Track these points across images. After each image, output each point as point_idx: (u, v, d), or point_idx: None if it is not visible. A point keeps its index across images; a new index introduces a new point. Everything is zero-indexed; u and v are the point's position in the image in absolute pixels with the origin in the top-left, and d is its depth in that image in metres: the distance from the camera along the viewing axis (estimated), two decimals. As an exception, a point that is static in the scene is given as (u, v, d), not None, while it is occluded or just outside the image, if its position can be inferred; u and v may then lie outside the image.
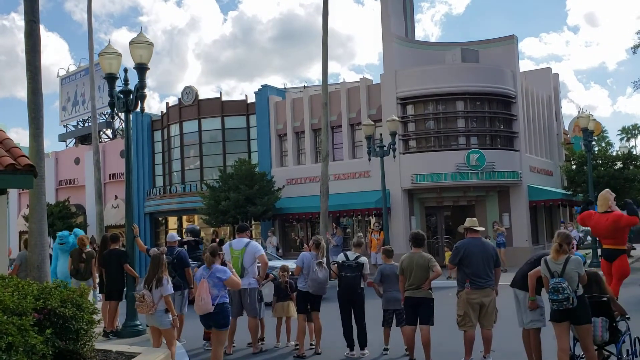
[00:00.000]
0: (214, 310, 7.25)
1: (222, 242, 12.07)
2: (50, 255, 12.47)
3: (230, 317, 7.82)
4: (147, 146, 31.55)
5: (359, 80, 27.50)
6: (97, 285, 12.09)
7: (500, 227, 22.39)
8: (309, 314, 9.45)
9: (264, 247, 22.48)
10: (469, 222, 8.33)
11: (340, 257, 9.21)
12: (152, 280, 7.75)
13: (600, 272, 8.35)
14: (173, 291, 8.09)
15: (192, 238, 14.08)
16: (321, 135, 23.16)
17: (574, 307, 6.48)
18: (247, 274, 9.37)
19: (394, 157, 21.97)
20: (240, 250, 9.45)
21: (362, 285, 9.11)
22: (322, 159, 22.57)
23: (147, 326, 8.72)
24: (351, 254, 9.16)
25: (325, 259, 9.90)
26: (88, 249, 12.32)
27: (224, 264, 7.80)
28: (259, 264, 9.69)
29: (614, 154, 28.36)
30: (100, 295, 11.99)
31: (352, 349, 9.03)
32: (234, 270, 7.78)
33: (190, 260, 10.86)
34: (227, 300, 7.51)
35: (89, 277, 11.94)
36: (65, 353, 6.76)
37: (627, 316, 7.23)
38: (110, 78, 11.54)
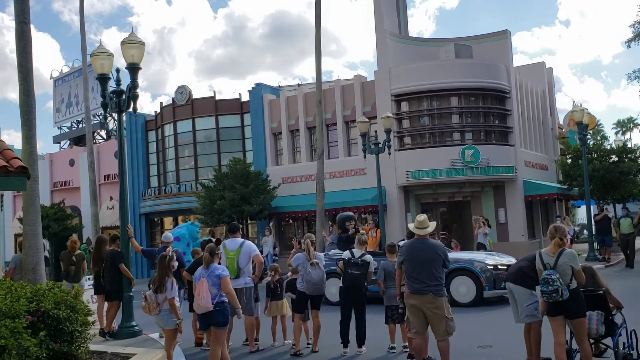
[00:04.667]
0: (214, 309, 7.25)
1: (219, 242, 12.00)
2: (46, 257, 12.43)
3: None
4: (141, 146, 31.46)
5: (353, 77, 27.50)
6: (87, 286, 12.08)
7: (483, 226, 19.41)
8: (306, 313, 9.46)
9: (260, 247, 22.54)
10: (416, 222, 7.69)
11: (346, 254, 9.13)
12: (157, 281, 7.72)
13: (595, 266, 8.36)
14: (177, 294, 8.00)
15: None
16: (316, 134, 23.15)
17: (566, 300, 6.49)
18: (243, 274, 9.36)
19: (389, 154, 21.95)
20: (235, 250, 9.40)
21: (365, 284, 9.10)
22: (318, 157, 22.58)
23: (160, 328, 8.67)
24: (356, 252, 9.07)
25: (321, 255, 9.86)
26: (78, 251, 12.28)
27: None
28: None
29: (609, 147, 28.39)
30: (95, 296, 11.96)
31: (346, 346, 9.01)
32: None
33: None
34: (227, 299, 7.51)
35: (81, 279, 11.91)
36: (60, 355, 6.73)
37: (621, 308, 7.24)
38: (103, 78, 11.50)
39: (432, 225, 7.68)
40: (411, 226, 7.81)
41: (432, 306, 7.26)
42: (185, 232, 12.20)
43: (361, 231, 14.60)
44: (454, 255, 14.08)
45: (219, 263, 7.89)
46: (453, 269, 12.86)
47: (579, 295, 6.63)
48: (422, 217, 7.65)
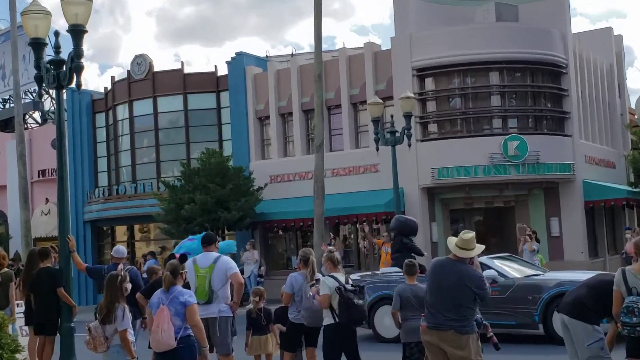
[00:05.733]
0: (177, 345, 7.19)
1: (184, 258, 11.92)
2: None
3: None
4: (87, 133, 31.49)
5: (362, 45, 27.51)
6: (16, 315, 12.06)
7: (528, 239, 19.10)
8: (298, 353, 9.43)
9: (241, 265, 22.54)
10: (459, 239, 7.53)
11: (331, 282, 8.63)
12: (104, 309, 7.61)
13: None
14: (131, 325, 7.92)
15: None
16: (314, 118, 23.16)
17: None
18: (217, 299, 9.17)
19: (409, 145, 21.97)
20: (208, 267, 9.23)
21: None
22: (316, 148, 22.54)
23: None
24: (339, 276, 8.71)
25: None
26: (6, 269, 12.25)
27: (186, 285, 7.70)
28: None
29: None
30: (26, 328, 11.94)
31: None
32: None
33: None
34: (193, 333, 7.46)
35: (7, 305, 11.88)
36: (-21, 404, 6.72)
37: None
38: (37, 44, 11.47)
39: (480, 248, 7.57)
40: (452, 242, 7.64)
41: (454, 345, 7.31)
42: (197, 246, 11.91)
43: (329, 247, 14.52)
44: (554, 275, 13.98)
45: (186, 284, 7.84)
46: (555, 294, 12.46)
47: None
48: (470, 235, 7.50)
